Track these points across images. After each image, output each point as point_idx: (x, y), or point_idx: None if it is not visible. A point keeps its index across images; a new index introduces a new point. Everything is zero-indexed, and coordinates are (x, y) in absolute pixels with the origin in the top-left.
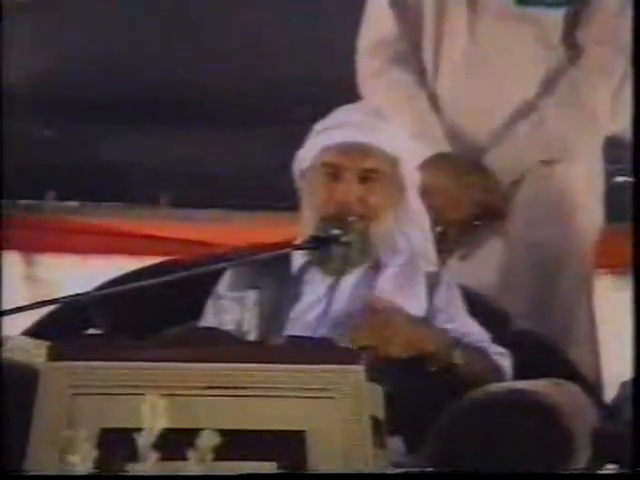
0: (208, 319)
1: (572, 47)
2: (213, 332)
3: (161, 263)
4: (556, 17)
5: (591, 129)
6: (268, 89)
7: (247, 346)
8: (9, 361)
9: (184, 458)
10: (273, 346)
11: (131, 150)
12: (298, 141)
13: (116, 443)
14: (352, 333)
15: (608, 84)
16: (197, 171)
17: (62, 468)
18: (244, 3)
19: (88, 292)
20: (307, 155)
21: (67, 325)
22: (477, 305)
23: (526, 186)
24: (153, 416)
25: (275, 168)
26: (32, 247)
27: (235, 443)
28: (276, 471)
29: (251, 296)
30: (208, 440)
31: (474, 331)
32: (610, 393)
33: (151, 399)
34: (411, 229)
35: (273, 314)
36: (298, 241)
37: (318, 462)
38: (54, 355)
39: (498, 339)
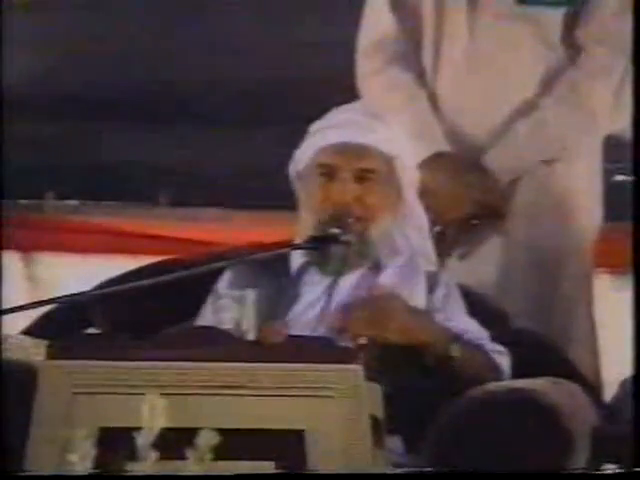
0: (207, 318)
1: (572, 47)
2: (212, 331)
3: (160, 262)
4: (556, 17)
5: (591, 129)
6: (268, 89)
7: (246, 345)
8: (8, 360)
9: (183, 457)
10: (272, 345)
11: (131, 150)
12: (298, 141)
13: (115, 442)
14: (350, 319)
15: (608, 84)
16: (197, 171)
17: (61, 467)
18: (244, 3)
19: (87, 291)
20: (303, 156)
21: (66, 324)
22: (476, 304)
23: (525, 186)
24: (152, 415)
25: (275, 168)
26: (32, 246)
27: (234, 442)
28: (274, 471)
29: (250, 295)
30: (207, 439)
31: (473, 330)
32: (609, 392)
33: (151, 398)
34: (410, 229)
35: (272, 313)
36: (297, 241)
37: (317, 462)
38: (53, 354)
39: (497, 338)
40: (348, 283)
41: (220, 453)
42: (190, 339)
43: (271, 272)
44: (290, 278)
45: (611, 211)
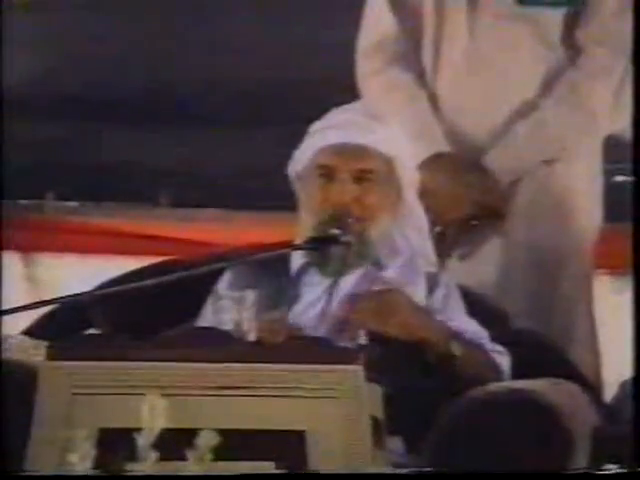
0: (207, 319)
1: (572, 47)
2: (212, 332)
3: (161, 263)
4: (556, 17)
5: (590, 129)
6: (268, 89)
7: (246, 346)
8: (8, 360)
9: (183, 458)
10: (272, 346)
11: (131, 150)
12: (298, 141)
13: (115, 443)
14: (352, 311)
15: (608, 84)
16: (197, 171)
17: (61, 468)
18: (244, 3)
19: (88, 292)
20: (302, 156)
21: (66, 325)
22: (476, 304)
23: (525, 186)
24: (152, 416)
25: (275, 168)
26: (32, 247)
27: (234, 443)
28: (274, 471)
29: (250, 296)
30: (207, 440)
31: (473, 330)
32: (610, 393)
33: (151, 399)
34: (410, 230)
35: (274, 314)
36: (297, 242)
37: (318, 462)
38: (53, 355)
39: (497, 338)
40: (348, 283)
41: (220, 454)
42: (190, 340)
43: (271, 273)
44: (290, 279)
45: (611, 212)
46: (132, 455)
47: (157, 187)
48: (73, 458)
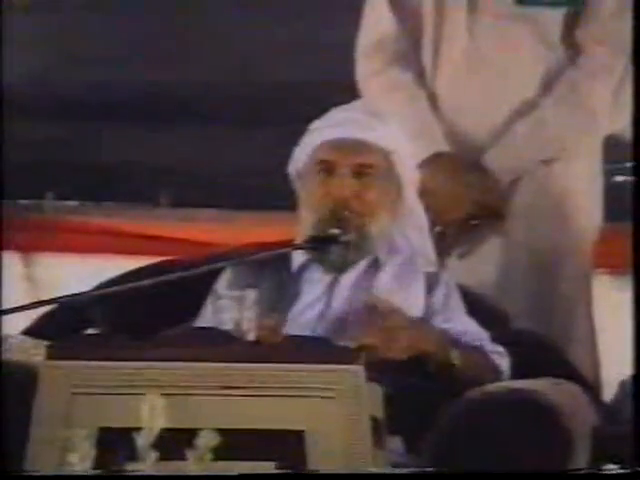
0: (207, 318)
1: (572, 47)
2: (212, 332)
3: (160, 263)
4: (556, 17)
5: (590, 129)
6: (268, 89)
7: (246, 346)
8: (8, 360)
9: (183, 458)
10: (272, 346)
11: (131, 150)
12: (298, 141)
13: (115, 443)
14: (351, 336)
15: (608, 84)
16: (197, 171)
17: (61, 467)
18: (244, 3)
19: (87, 292)
20: (302, 154)
21: (66, 325)
22: (476, 304)
23: (525, 186)
24: (152, 416)
25: (275, 168)
26: (32, 247)
27: (234, 443)
28: (274, 471)
29: (250, 295)
30: (207, 440)
31: (472, 331)
32: (609, 393)
33: (150, 399)
34: (410, 229)
35: (272, 313)
36: (297, 241)
37: (317, 462)
38: (53, 354)
39: (497, 338)
40: (348, 282)
41: (220, 453)
42: (190, 339)
43: (271, 272)
44: (290, 277)
45: (611, 211)
46: (132, 455)
47: (157, 187)
48: (73, 458)
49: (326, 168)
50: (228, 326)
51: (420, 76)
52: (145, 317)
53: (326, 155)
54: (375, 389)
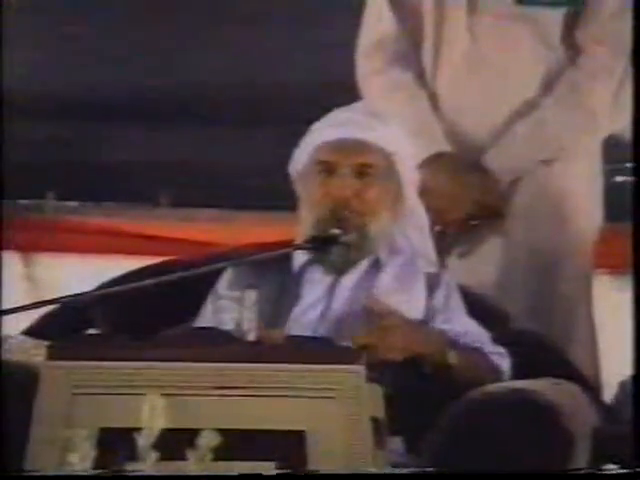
0: (207, 318)
1: (572, 47)
2: (212, 332)
3: (161, 263)
4: (556, 17)
5: (590, 129)
6: (268, 89)
7: (247, 346)
8: (8, 361)
9: (184, 458)
10: (273, 346)
11: (131, 150)
12: (298, 141)
13: (116, 443)
14: (352, 336)
15: (608, 84)
16: (197, 171)
17: (61, 467)
18: (245, 3)
19: (88, 292)
20: (302, 154)
21: (67, 325)
22: (476, 305)
23: (525, 186)
24: (153, 416)
25: (275, 168)
26: (32, 247)
27: (235, 443)
28: (275, 471)
29: (251, 296)
30: (208, 440)
31: (473, 331)
32: (609, 393)
33: (151, 399)
34: (410, 229)
35: (273, 314)
36: (298, 241)
37: (318, 462)
38: (54, 355)
39: (497, 339)
40: (349, 283)
41: (221, 454)
42: (191, 340)
43: (271, 272)
44: (291, 277)
45: (611, 212)
46: (132, 455)
47: (157, 187)
48: (73, 458)
49: (327, 168)
50: (228, 326)
51: (420, 76)
52: (145, 317)
53: (327, 155)
54: (375, 389)
